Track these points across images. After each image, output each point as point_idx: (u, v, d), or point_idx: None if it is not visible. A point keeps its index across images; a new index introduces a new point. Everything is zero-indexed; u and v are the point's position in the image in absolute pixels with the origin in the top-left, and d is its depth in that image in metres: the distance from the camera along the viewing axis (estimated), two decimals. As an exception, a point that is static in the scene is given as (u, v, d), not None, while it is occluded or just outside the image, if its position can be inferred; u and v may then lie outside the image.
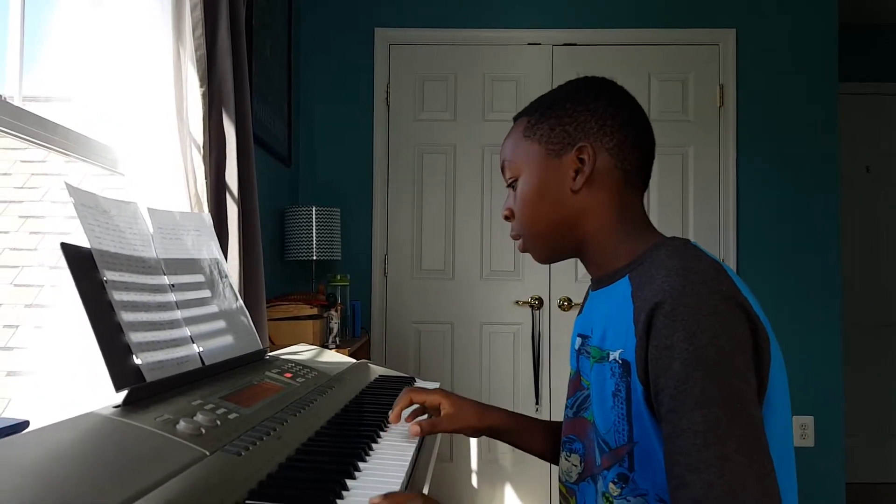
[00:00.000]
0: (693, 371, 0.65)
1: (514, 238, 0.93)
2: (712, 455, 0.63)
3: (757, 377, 0.68)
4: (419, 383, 1.38)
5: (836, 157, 2.74)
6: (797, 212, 2.74)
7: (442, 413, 1.00)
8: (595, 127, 0.84)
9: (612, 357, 0.77)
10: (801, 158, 2.74)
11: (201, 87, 1.44)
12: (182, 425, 0.70)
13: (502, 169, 0.92)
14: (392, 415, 1.00)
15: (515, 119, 0.93)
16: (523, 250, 0.93)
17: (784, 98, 2.76)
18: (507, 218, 0.94)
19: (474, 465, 2.77)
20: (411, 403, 1.01)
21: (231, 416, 0.80)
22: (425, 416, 1.02)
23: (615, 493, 0.76)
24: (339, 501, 0.65)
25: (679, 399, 0.66)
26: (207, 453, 0.67)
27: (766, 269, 2.73)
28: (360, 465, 0.78)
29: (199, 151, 1.44)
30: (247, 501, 0.61)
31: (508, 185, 0.92)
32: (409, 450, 0.87)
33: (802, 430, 2.71)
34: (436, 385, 1.37)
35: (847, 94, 3.00)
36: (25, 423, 0.74)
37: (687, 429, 0.65)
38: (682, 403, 0.66)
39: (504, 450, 2.72)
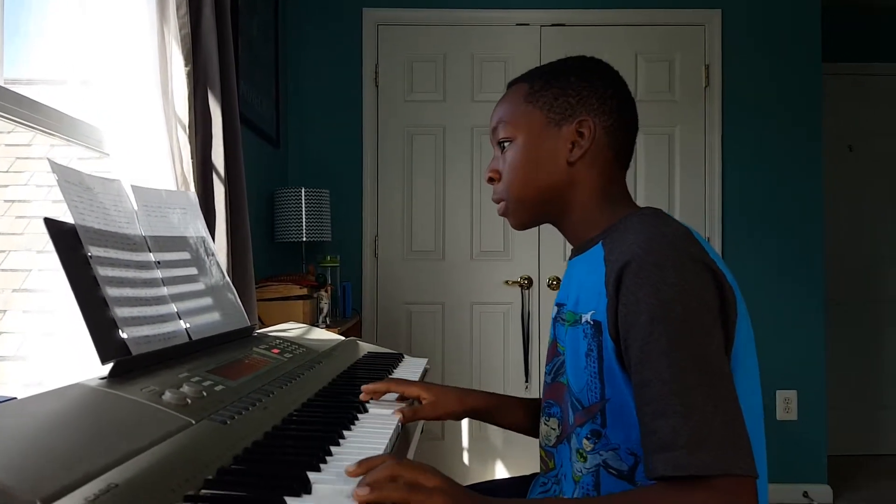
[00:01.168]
0: (659, 324, 0.68)
1: (496, 201, 0.94)
2: (678, 402, 0.65)
3: (724, 332, 0.71)
4: (408, 360, 1.40)
5: (819, 135, 2.77)
6: (781, 190, 2.77)
7: (423, 402, 0.99)
8: (597, 104, 0.86)
9: (584, 319, 0.80)
10: (785, 137, 2.77)
11: (186, 66, 1.44)
12: (168, 396, 0.72)
13: (494, 129, 0.92)
14: (366, 388, 0.96)
15: (512, 84, 0.94)
16: (503, 214, 0.94)
17: (769, 78, 2.77)
18: (491, 180, 0.94)
19: (465, 442, 2.81)
20: (389, 391, 0.98)
21: (217, 388, 0.81)
22: (406, 403, 1.00)
23: (588, 449, 0.79)
24: (322, 466, 0.66)
25: (646, 351, 0.68)
26: (193, 422, 0.68)
27: (750, 246, 2.76)
28: (346, 433, 0.79)
29: (185, 131, 1.44)
30: (232, 466, 0.63)
31: (498, 145, 0.92)
32: (395, 419, 0.89)
33: (786, 403, 2.76)
34: (424, 361, 1.39)
35: (830, 74, 3.02)
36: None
37: (653, 378, 0.67)
38: (648, 354, 0.68)
39: (495, 429, 2.75)
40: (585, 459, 0.80)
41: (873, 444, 3.34)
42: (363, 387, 0.97)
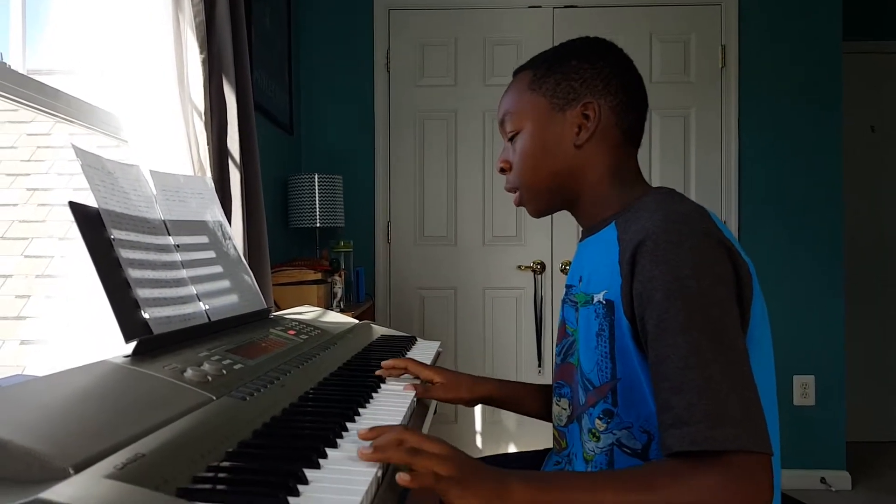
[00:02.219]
0: (675, 300, 0.68)
1: (510, 191, 0.95)
2: (694, 377, 0.65)
3: (739, 310, 0.71)
4: (421, 342, 1.42)
5: (839, 116, 2.73)
6: (800, 172, 2.73)
7: (436, 384, 1.02)
8: (600, 85, 0.86)
9: (595, 299, 0.80)
10: (804, 118, 2.73)
11: (201, 53, 1.45)
12: (189, 373, 0.74)
13: (501, 122, 0.94)
14: (385, 363, 1.01)
15: (516, 73, 0.95)
16: (519, 203, 0.95)
17: (787, 57, 2.73)
18: (502, 170, 0.95)
19: (478, 426, 2.83)
20: (406, 370, 1.02)
21: (236, 367, 0.84)
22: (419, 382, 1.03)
23: (601, 429, 0.80)
24: (338, 441, 0.68)
25: (662, 327, 0.69)
26: (214, 398, 0.71)
27: (768, 229, 2.74)
28: (361, 410, 0.82)
29: (201, 118, 1.46)
30: (251, 440, 0.65)
31: (509, 140, 0.93)
32: (409, 397, 0.91)
33: (803, 388, 2.75)
34: (436, 344, 1.41)
35: (851, 52, 2.96)
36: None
37: (670, 354, 0.68)
38: (664, 331, 0.69)
39: (507, 412, 2.77)
40: (598, 439, 0.81)
41: (893, 429, 3.31)
42: (383, 363, 1.01)
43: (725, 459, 0.62)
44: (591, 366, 0.81)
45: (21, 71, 1.19)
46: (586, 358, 0.82)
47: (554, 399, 0.95)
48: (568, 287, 0.94)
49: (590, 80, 0.86)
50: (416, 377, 1.03)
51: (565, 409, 0.91)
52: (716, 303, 0.68)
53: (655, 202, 0.78)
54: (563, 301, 0.95)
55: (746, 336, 0.73)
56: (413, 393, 0.93)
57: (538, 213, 0.95)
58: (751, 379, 0.66)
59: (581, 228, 0.95)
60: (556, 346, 0.96)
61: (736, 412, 0.63)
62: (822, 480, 2.72)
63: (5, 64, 1.18)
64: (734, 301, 0.71)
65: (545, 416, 1.08)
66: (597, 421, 0.81)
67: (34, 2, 1.30)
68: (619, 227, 0.81)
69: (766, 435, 0.64)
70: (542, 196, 0.92)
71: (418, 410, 0.93)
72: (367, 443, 0.64)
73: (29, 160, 2.74)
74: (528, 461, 1.09)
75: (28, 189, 2.62)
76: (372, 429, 0.67)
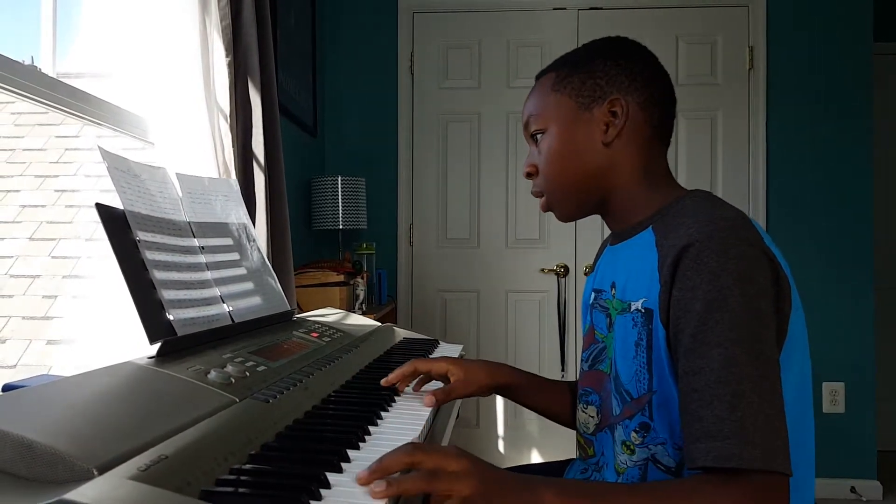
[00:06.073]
0: (715, 312, 0.67)
1: (537, 195, 0.92)
2: (726, 392, 0.64)
3: (776, 323, 0.69)
4: (443, 345, 1.41)
5: (869, 119, 2.66)
6: (828, 176, 2.68)
7: (452, 379, 0.95)
8: (626, 82, 0.85)
9: (633, 307, 0.78)
10: (833, 121, 2.67)
11: (227, 56, 1.46)
12: (213, 375, 0.74)
13: (526, 125, 0.91)
14: (386, 379, 0.92)
15: (539, 76, 0.93)
16: (546, 208, 0.91)
17: (816, 59, 2.67)
18: (529, 175, 0.92)
19: (500, 431, 2.82)
20: (415, 373, 0.95)
21: (259, 369, 0.83)
22: (437, 386, 0.97)
23: (637, 442, 0.78)
24: (361, 444, 0.68)
25: (699, 339, 0.67)
26: (237, 400, 0.71)
27: (796, 233, 2.68)
28: (383, 413, 0.81)
29: (226, 121, 1.47)
30: (274, 443, 0.64)
31: (531, 138, 0.91)
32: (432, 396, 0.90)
33: (832, 396, 2.68)
34: (459, 347, 1.40)
35: (882, 54, 2.89)
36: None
37: (704, 367, 0.66)
38: (701, 343, 0.67)
39: (530, 416, 2.75)
40: (633, 452, 0.79)
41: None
42: (384, 381, 0.92)
43: (748, 478, 0.62)
44: (629, 376, 0.78)
45: (51, 74, 1.21)
46: (624, 368, 0.80)
47: (580, 406, 0.93)
48: (597, 291, 0.91)
49: (615, 78, 0.84)
50: (428, 373, 0.96)
51: (593, 417, 0.89)
52: (757, 316, 0.67)
53: (696, 206, 0.75)
54: (592, 306, 0.92)
55: (783, 348, 0.71)
56: (434, 400, 0.90)
57: (567, 216, 0.92)
58: (779, 396, 0.65)
59: (610, 231, 0.93)
60: (583, 351, 0.93)
61: (764, 431, 0.63)
62: (853, 490, 2.65)
63: (36, 67, 1.20)
64: (773, 314, 0.69)
65: (555, 414, 1.05)
66: (633, 434, 0.79)
67: (64, 7, 1.32)
68: (656, 231, 0.79)
69: (787, 455, 0.63)
70: (571, 198, 0.89)
71: (441, 412, 0.92)
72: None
73: (57, 162, 2.79)
74: (552, 472, 1.06)
75: (56, 190, 2.67)
76: (373, 470, 0.56)
